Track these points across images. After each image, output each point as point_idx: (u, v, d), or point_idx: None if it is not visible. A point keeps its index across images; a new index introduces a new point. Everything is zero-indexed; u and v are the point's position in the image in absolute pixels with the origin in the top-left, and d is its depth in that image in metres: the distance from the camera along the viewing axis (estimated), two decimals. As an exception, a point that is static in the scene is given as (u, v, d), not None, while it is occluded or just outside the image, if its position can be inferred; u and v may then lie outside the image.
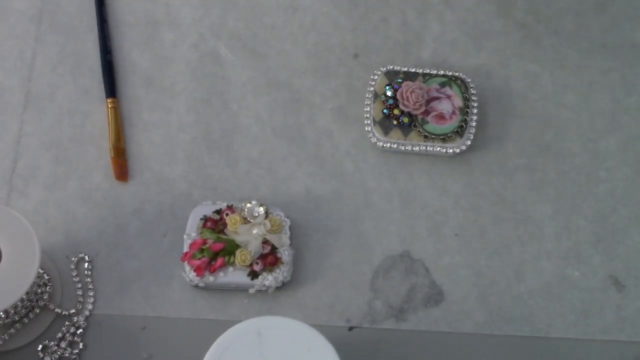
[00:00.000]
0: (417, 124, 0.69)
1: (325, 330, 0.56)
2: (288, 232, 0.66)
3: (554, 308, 0.66)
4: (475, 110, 0.69)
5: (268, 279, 0.65)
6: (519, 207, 0.69)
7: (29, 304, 0.63)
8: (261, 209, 0.66)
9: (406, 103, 0.69)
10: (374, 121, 0.69)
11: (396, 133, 0.69)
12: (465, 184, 0.69)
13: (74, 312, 0.65)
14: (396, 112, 0.69)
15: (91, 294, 0.65)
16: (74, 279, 0.66)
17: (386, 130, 0.69)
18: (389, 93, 0.69)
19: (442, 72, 0.70)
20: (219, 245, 0.65)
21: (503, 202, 0.69)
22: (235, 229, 0.65)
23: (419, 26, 0.74)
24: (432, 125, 0.69)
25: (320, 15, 0.74)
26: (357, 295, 0.66)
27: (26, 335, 0.64)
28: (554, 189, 0.69)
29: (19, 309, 0.63)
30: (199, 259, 0.65)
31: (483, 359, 0.65)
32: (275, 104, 0.71)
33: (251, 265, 0.65)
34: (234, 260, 0.65)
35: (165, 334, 0.65)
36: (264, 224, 0.65)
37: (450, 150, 0.69)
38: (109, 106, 0.70)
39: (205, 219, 0.66)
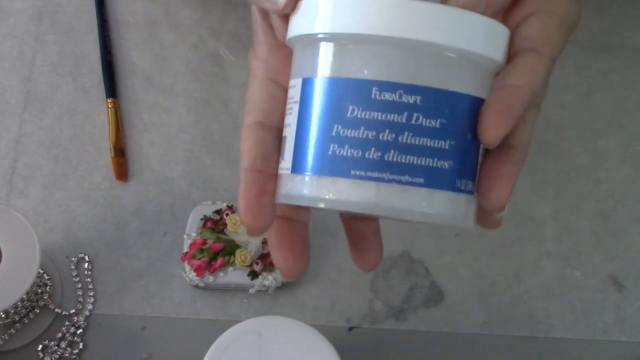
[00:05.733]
0: (417, 123, 0.68)
1: (325, 330, 0.56)
2: (288, 232, 0.66)
3: (554, 308, 0.66)
4: (475, 110, 0.69)
5: (268, 279, 0.65)
6: (519, 207, 0.69)
7: (29, 304, 0.63)
8: (261, 209, 0.66)
9: (406, 103, 0.68)
10: (374, 121, 0.69)
11: (396, 133, 0.69)
12: (465, 184, 0.69)
13: (74, 312, 0.65)
14: (396, 112, 0.69)
15: (91, 294, 0.65)
16: (74, 279, 0.66)
17: (386, 130, 0.69)
18: (389, 93, 0.69)
19: (442, 72, 0.70)
20: (219, 245, 0.65)
21: (503, 202, 0.69)
22: (235, 229, 0.65)
23: (419, 26, 0.74)
24: (432, 125, 0.68)
25: (320, 15, 0.74)
26: (357, 295, 0.66)
27: (26, 335, 0.64)
28: (554, 189, 0.69)
29: (19, 309, 0.63)
30: (199, 259, 0.65)
31: (483, 359, 0.65)
32: (275, 104, 0.71)
33: (251, 265, 0.65)
34: (234, 260, 0.65)
35: (165, 334, 0.65)
36: (264, 224, 0.65)
37: (450, 150, 0.68)
38: (109, 106, 0.70)
39: (205, 219, 0.66)
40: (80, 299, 0.65)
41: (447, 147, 0.40)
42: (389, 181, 0.39)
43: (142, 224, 0.68)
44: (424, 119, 0.39)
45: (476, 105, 0.40)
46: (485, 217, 0.43)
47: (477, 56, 0.40)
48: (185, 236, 0.66)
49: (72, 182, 0.69)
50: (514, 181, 0.42)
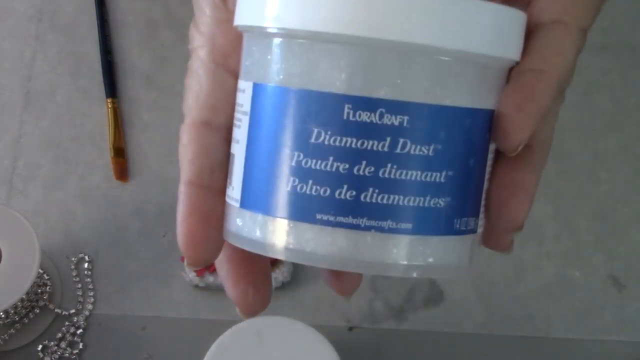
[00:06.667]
0: (417, 124, 0.68)
1: (325, 330, 0.56)
2: (288, 232, 0.66)
3: (554, 308, 0.66)
4: (475, 110, 0.69)
5: (268, 279, 0.64)
6: (519, 207, 0.69)
7: (29, 304, 0.63)
8: (261, 209, 0.66)
9: (406, 103, 0.68)
10: (374, 121, 0.69)
11: (396, 133, 0.68)
12: (465, 184, 0.69)
13: (74, 312, 0.65)
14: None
15: (91, 294, 0.65)
16: (74, 279, 0.66)
17: (386, 130, 0.68)
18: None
19: (442, 72, 0.70)
20: (219, 245, 0.64)
21: (503, 202, 0.69)
22: (235, 229, 0.65)
23: (419, 26, 0.74)
24: (432, 125, 0.68)
25: (320, 15, 0.74)
26: (357, 295, 0.66)
27: (26, 335, 0.64)
28: (554, 189, 0.69)
29: (19, 309, 0.62)
30: (199, 259, 0.64)
31: (483, 359, 0.65)
32: (275, 104, 0.71)
33: (251, 265, 0.64)
34: (234, 260, 0.64)
35: (165, 334, 0.65)
36: (264, 224, 0.65)
37: (450, 150, 0.68)
38: (109, 106, 0.70)
39: (205, 219, 0.66)
40: (80, 299, 0.65)
41: (442, 180, 0.31)
42: (367, 228, 0.30)
43: (142, 224, 0.68)
44: (413, 146, 0.30)
45: (482, 118, 0.32)
46: (494, 237, 0.34)
47: (482, 58, 0.31)
48: (185, 236, 0.66)
49: (72, 182, 0.69)
50: (533, 192, 0.33)
